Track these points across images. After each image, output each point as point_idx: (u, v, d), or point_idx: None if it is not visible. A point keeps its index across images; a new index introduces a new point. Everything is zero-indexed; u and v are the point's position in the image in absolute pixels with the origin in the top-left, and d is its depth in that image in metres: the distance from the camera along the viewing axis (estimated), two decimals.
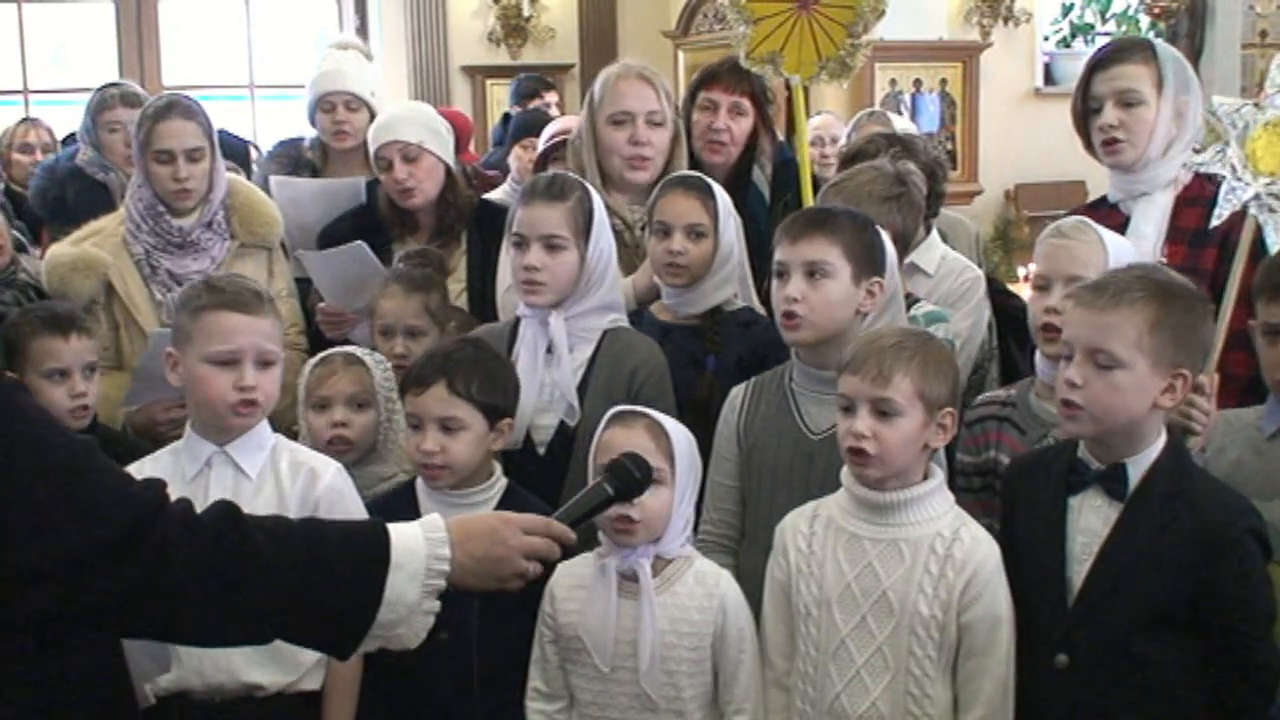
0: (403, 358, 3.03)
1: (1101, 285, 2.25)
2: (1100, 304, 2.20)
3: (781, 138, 3.89)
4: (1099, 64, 3.02)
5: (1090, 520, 2.25)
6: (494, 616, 2.48)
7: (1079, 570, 2.24)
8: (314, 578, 1.68)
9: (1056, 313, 2.53)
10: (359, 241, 3.42)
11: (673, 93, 3.43)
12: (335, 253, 3.44)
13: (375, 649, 1.78)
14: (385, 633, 1.73)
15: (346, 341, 3.29)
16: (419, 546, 1.75)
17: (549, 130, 4.43)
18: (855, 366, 2.28)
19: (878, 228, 2.67)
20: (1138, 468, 2.23)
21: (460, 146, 4.58)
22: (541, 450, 2.77)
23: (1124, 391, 2.19)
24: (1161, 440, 2.25)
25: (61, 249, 3.45)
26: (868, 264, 2.58)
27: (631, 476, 2.06)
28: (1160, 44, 3.08)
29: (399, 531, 1.76)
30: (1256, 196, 2.61)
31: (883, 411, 2.25)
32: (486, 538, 1.81)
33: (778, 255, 2.60)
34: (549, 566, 1.90)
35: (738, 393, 2.70)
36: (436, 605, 1.77)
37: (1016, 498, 2.40)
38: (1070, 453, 2.32)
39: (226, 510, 1.71)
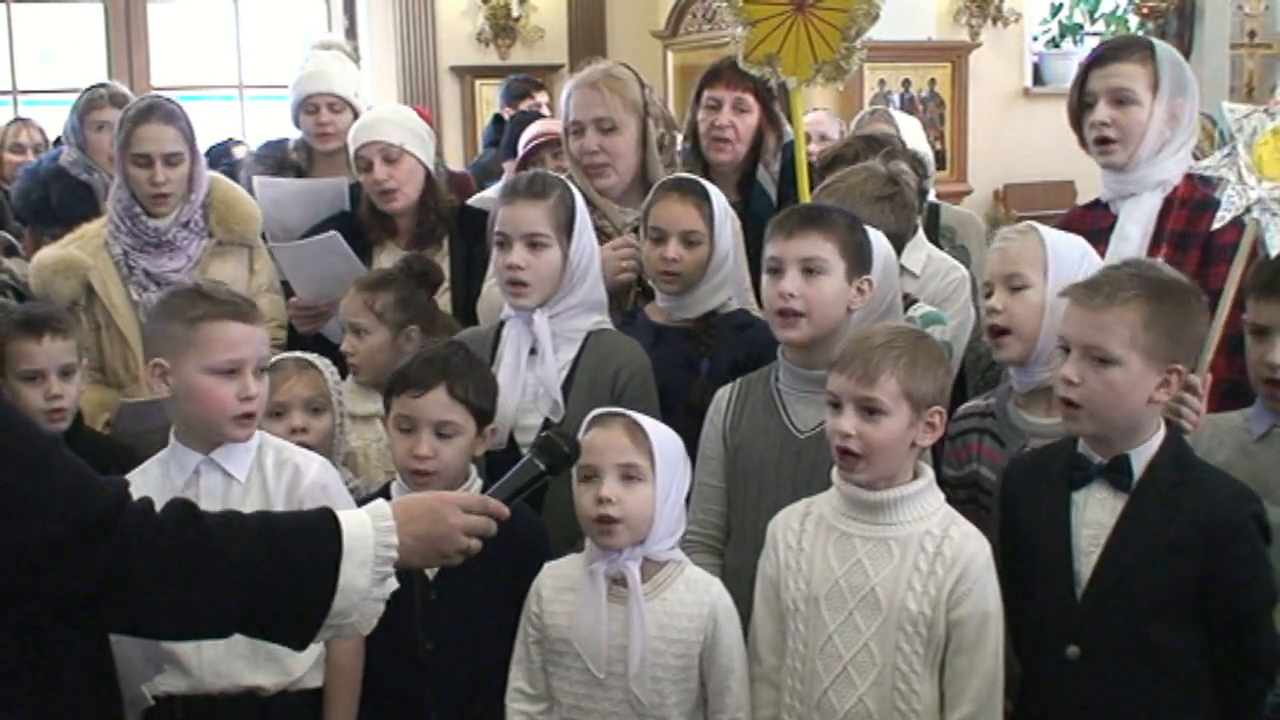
0: (347, 354, 3.10)
1: (1096, 284, 2.28)
2: (1095, 303, 2.23)
3: (790, 137, 3.88)
4: (1096, 61, 3.00)
5: (1096, 513, 2.27)
6: (483, 621, 2.48)
7: (1087, 562, 2.26)
8: (271, 567, 1.71)
9: (997, 311, 2.56)
10: (333, 232, 3.40)
11: (645, 92, 3.32)
12: (309, 244, 3.43)
13: (329, 638, 1.81)
14: (339, 621, 1.76)
15: (312, 341, 3.31)
16: (367, 533, 1.78)
17: (528, 134, 4.41)
18: (843, 365, 2.29)
19: (867, 228, 2.67)
20: (1140, 459, 2.26)
21: None
22: (526, 451, 2.74)
23: (1119, 388, 2.21)
24: (1161, 432, 2.28)
25: (48, 251, 3.47)
26: (859, 262, 2.60)
27: (560, 451, 2.08)
28: (1160, 45, 3.05)
29: (348, 519, 1.80)
30: (1259, 200, 2.62)
31: (869, 410, 2.26)
32: (428, 518, 1.85)
33: (771, 251, 2.60)
34: (498, 546, 1.92)
35: (724, 393, 2.70)
36: (386, 592, 1.80)
37: (1016, 497, 2.40)
38: (1070, 449, 2.33)
39: (183, 507, 1.74)
